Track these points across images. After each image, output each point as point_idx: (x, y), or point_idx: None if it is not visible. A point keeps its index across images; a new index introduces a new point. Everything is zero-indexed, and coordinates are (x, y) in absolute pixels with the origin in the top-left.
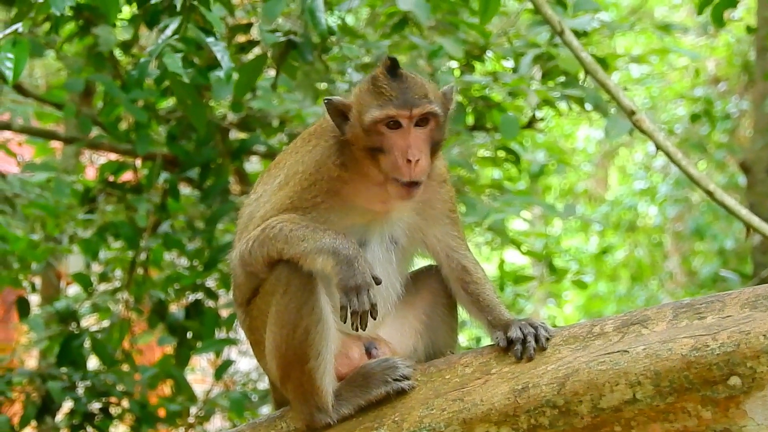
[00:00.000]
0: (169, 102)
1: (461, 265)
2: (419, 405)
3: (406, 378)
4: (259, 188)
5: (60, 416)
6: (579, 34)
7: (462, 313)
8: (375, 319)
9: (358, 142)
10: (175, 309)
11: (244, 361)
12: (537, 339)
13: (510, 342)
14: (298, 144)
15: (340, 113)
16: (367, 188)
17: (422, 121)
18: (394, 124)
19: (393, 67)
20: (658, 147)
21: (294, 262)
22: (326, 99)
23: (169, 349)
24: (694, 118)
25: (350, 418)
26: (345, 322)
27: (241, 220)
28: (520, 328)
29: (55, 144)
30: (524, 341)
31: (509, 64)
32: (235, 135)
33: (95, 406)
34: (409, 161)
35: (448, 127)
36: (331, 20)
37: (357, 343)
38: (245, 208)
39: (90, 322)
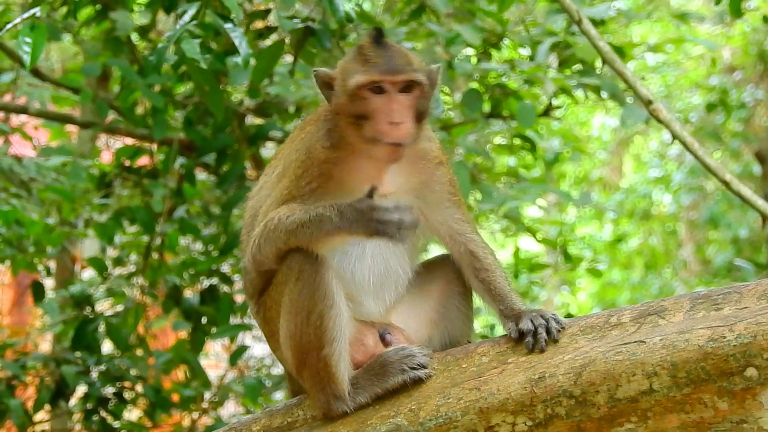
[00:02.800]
0: (186, 87)
1: (468, 249)
2: (436, 394)
3: (423, 367)
4: (261, 180)
5: (74, 401)
6: (596, 22)
7: (476, 301)
8: (407, 231)
9: (342, 109)
10: (190, 294)
11: (259, 347)
12: (548, 331)
13: (521, 334)
14: (295, 133)
15: (326, 84)
16: (357, 165)
17: (406, 88)
18: (377, 89)
19: (378, 36)
20: (675, 137)
21: (304, 249)
22: (314, 70)
23: (184, 334)
24: (710, 107)
25: (367, 406)
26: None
27: (246, 215)
28: (531, 320)
29: (72, 128)
30: (535, 333)
31: (526, 52)
32: (252, 121)
33: (109, 390)
34: (392, 123)
35: (433, 101)
36: (349, 7)
37: (371, 330)
38: (249, 201)
39: (105, 306)
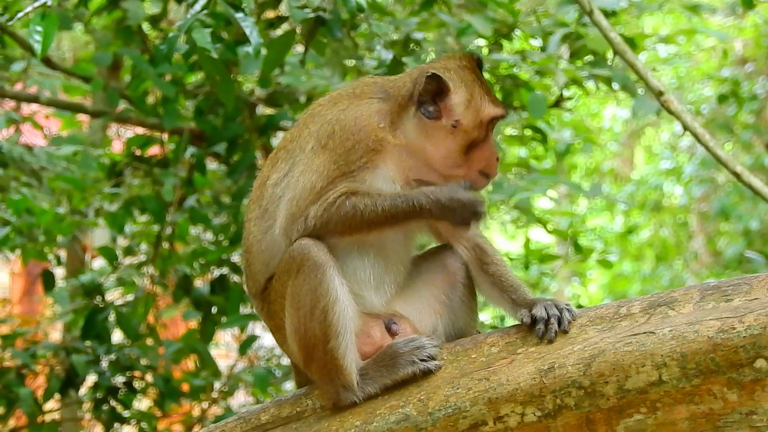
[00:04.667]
0: (197, 77)
1: (476, 243)
2: (445, 384)
3: (433, 358)
4: (281, 165)
5: (84, 390)
6: (607, 13)
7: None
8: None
9: (460, 130)
10: (200, 284)
11: (269, 337)
12: (560, 322)
13: (534, 320)
14: (317, 109)
15: (436, 91)
16: (401, 158)
17: None
18: (495, 123)
19: (481, 64)
20: (686, 128)
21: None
22: (432, 73)
23: (194, 323)
24: (721, 98)
25: (375, 396)
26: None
27: (262, 200)
28: (546, 308)
29: (82, 117)
30: (547, 322)
31: (537, 42)
32: (263, 110)
33: (119, 380)
34: (497, 160)
35: None
36: None
37: (377, 322)
38: (266, 188)
39: (115, 295)
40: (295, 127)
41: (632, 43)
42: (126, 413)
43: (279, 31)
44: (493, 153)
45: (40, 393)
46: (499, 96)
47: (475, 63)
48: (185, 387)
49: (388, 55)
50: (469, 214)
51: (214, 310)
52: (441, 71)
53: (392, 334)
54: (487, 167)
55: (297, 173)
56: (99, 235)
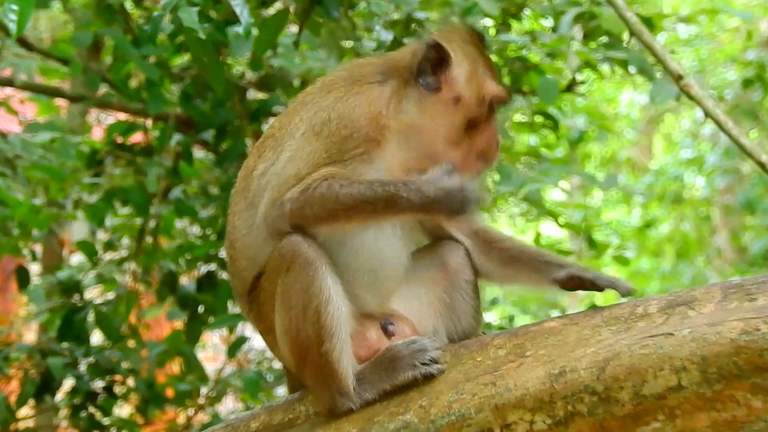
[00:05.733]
0: (184, 59)
1: (478, 228)
2: (448, 389)
3: (435, 362)
4: (268, 154)
5: (60, 395)
6: None
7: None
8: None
9: (461, 105)
10: (187, 281)
11: (259, 338)
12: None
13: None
14: (308, 98)
15: (435, 59)
16: (407, 143)
17: None
18: (497, 105)
19: (483, 38)
20: (707, 115)
21: (298, 234)
22: (434, 41)
23: (179, 324)
24: (746, 83)
25: (374, 402)
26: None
27: (248, 192)
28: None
29: (60, 102)
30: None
31: (548, 23)
32: (254, 95)
33: (98, 384)
34: (498, 143)
35: None
36: None
37: (373, 323)
38: (253, 179)
39: (94, 293)
40: (284, 115)
41: (650, 23)
42: (106, 420)
43: (271, 10)
44: (493, 135)
45: (13, 398)
46: (507, 80)
47: (479, 39)
48: (170, 392)
49: (388, 36)
50: (459, 202)
51: (200, 309)
52: (443, 41)
53: (389, 334)
54: (486, 150)
55: (284, 160)
56: (77, 229)
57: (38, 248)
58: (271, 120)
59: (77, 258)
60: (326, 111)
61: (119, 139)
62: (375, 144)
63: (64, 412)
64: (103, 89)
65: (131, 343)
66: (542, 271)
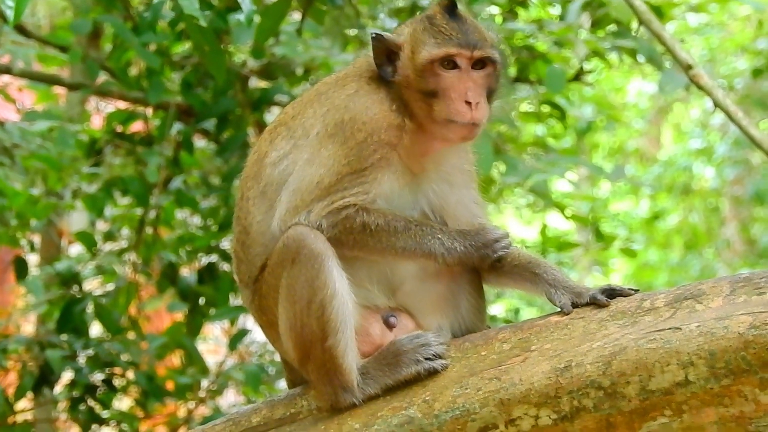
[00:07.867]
0: (185, 47)
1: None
2: (452, 384)
3: (439, 356)
4: (281, 143)
5: (59, 388)
6: None
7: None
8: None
9: (409, 84)
10: (187, 272)
11: (261, 331)
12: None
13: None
14: (324, 88)
15: (387, 52)
16: (418, 140)
17: (479, 64)
18: (450, 64)
19: (452, 7)
20: (717, 105)
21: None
22: (375, 34)
23: (180, 316)
24: (756, 72)
25: (377, 397)
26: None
27: (260, 178)
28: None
29: (59, 90)
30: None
31: (556, 11)
32: (256, 84)
33: (98, 377)
34: (468, 103)
35: (502, 81)
36: None
37: (375, 317)
38: (265, 166)
39: (93, 285)
40: (298, 103)
41: (659, 11)
42: (105, 413)
43: None
44: (454, 99)
45: (11, 391)
46: (514, 69)
47: (444, 8)
48: (170, 385)
49: (392, 24)
50: (486, 256)
51: (201, 301)
52: (391, 32)
53: (390, 327)
54: (453, 115)
55: (302, 161)
56: (76, 219)
57: (37, 239)
58: (274, 109)
59: (76, 249)
60: (339, 111)
61: (119, 128)
62: (390, 147)
63: (62, 405)
64: (102, 77)
65: (131, 336)
66: (542, 283)
